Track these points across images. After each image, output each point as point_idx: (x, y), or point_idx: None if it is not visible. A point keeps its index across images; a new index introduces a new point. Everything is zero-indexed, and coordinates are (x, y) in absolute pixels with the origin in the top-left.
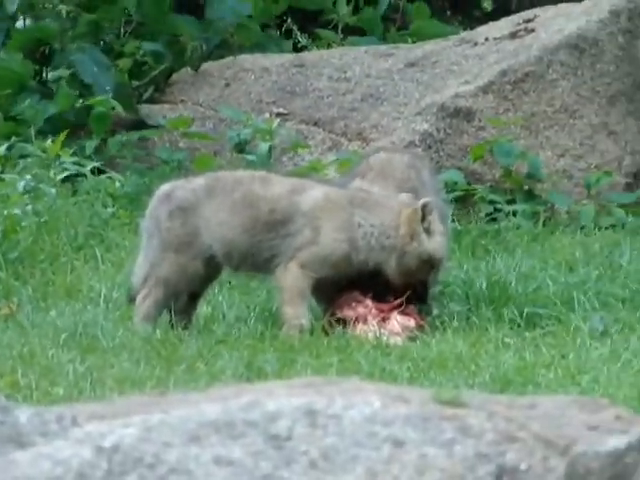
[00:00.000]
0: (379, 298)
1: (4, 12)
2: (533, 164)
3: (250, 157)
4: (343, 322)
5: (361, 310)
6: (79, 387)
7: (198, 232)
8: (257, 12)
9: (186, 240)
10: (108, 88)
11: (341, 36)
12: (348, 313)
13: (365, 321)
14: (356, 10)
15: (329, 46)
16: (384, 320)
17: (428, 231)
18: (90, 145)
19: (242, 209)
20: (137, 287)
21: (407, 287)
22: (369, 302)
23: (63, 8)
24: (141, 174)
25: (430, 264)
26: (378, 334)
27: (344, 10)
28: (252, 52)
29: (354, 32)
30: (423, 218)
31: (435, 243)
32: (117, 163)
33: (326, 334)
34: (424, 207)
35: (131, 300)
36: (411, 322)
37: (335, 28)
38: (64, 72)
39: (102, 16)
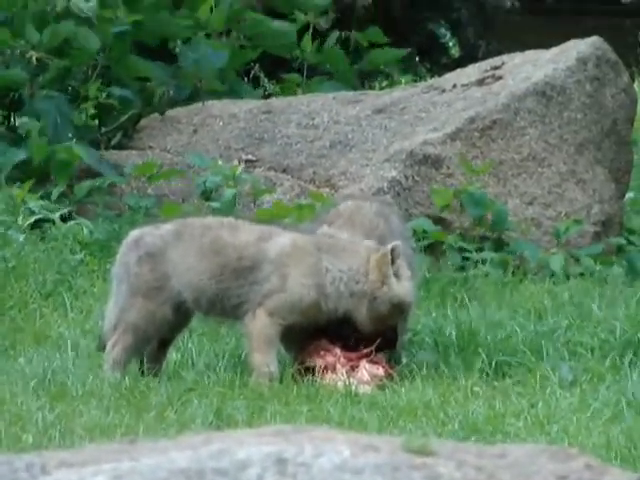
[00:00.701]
0: (348, 347)
1: None
2: (500, 213)
3: (214, 204)
4: (312, 370)
5: (330, 359)
6: (48, 434)
7: (167, 278)
8: (230, 60)
9: (155, 286)
10: (70, 135)
11: (305, 80)
12: (317, 361)
13: (334, 370)
14: (320, 49)
15: (296, 92)
16: (353, 369)
17: (397, 275)
18: (56, 192)
19: (210, 255)
20: (107, 333)
21: (377, 334)
22: (338, 351)
23: (33, 54)
24: (109, 221)
25: (400, 309)
26: (347, 383)
27: (309, 48)
28: (221, 99)
29: (319, 72)
30: (392, 262)
31: (404, 287)
32: (85, 209)
33: (296, 382)
34: (393, 251)
35: (101, 348)
36: (380, 371)
37: (300, 69)
38: (33, 122)
39: (71, 61)
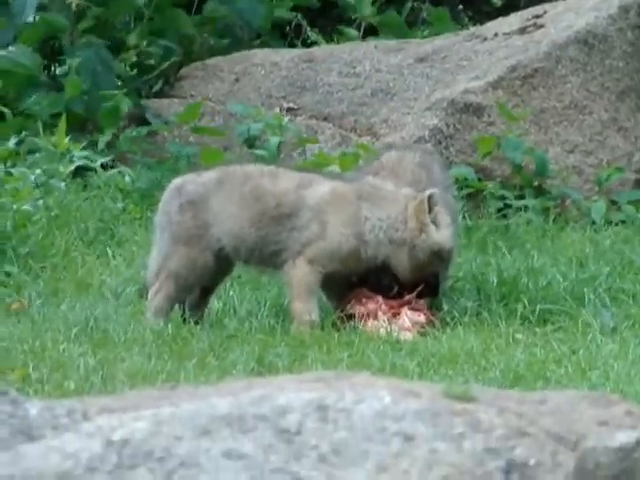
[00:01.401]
0: (390, 296)
1: (15, 8)
2: (540, 160)
3: (259, 152)
4: (354, 318)
5: (371, 306)
6: (90, 381)
7: (208, 225)
8: (266, 12)
9: (196, 233)
10: (120, 83)
11: (361, 35)
12: (359, 309)
13: (376, 317)
14: (380, 11)
15: (338, 41)
16: (394, 316)
17: (435, 222)
18: (102, 140)
19: (250, 203)
20: (150, 281)
21: (417, 283)
22: (379, 298)
23: (73, 1)
24: (151, 169)
25: (440, 256)
26: (389, 329)
27: (368, 10)
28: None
29: (375, 33)
30: (430, 209)
31: (443, 235)
32: (127, 157)
33: (337, 330)
34: (430, 198)
35: (143, 295)
36: (421, 317)
37: (358, 27)
38: (73, 62)
39: (113, 10)
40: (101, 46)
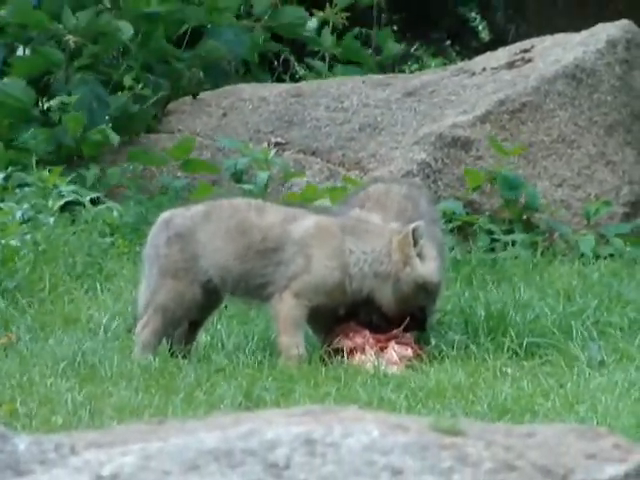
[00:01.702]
0: (377, 330)
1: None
2: (531, 195)
3: (247, 187)
4: (341, 352)
5: (359, 340)
6: (78, 415)
7: (196, 258)
8: (251, 45)
9: (184, 266)
10: (107, 117)
11: (327, 66)
12: (346, 343)
13: (363, 351)
14: (338, 40)
15: (325, 76)
16: (382, 350)
17: (420, 256)
18: (90, 175)
19: (236, 236)
20: (140, 315)
21: (402, 316)
22: (367, 332)
23: (70, 38)
24: (140, 203)
25: (425, 289)
26: (376, 364)
27: (329, 41)
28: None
29: (342, 62)
30: (415, 243)
31: (429, 268)
32: (115, 192)
33: (324, 364)
34: (414, 231)
35: (130, 330)
36: (409, 351)
37: (323, 59)
38: (71, 98)
39: (103, 47)
40: (96, 83)
